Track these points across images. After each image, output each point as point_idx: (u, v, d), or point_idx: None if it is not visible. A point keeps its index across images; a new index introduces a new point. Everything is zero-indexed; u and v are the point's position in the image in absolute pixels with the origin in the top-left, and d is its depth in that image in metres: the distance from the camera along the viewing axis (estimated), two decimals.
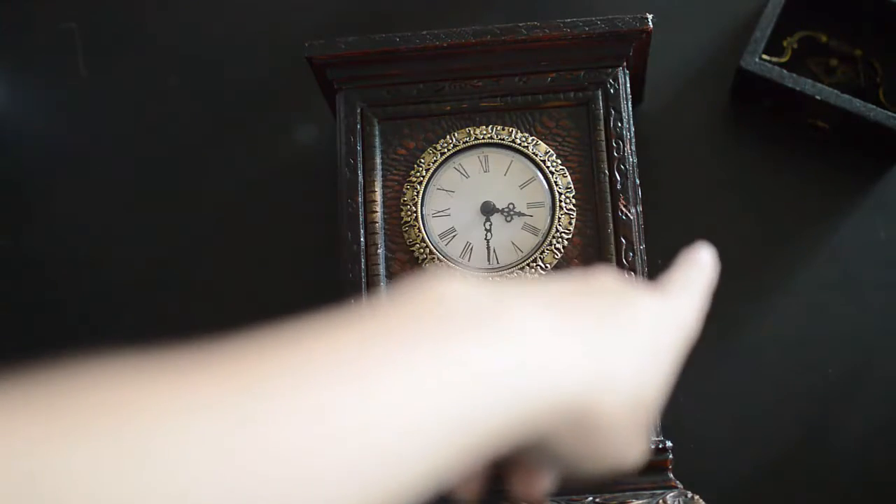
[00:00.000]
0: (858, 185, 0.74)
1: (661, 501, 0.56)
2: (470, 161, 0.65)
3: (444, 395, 0.26)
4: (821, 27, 0.76)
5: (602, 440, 0.32)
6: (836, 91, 0.69)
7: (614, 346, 0.33)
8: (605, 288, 0.36)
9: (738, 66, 0.72)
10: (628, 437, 0.33)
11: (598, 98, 0.65)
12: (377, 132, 0.66)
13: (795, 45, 0.76)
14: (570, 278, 0.36)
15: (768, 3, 0.73)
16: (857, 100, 0.69)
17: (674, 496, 0.58)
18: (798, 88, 0.70)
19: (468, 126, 0.66)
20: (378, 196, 0.65)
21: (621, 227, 0.62)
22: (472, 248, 0.64)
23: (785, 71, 0.71)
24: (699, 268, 0.41)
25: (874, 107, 0.69)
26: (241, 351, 0.26)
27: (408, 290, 0.31)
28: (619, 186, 0.63)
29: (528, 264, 0.63)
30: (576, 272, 0.38)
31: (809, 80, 0.70)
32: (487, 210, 0.64)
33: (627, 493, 0.57)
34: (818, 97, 0.68)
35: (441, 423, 0.26)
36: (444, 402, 0.26)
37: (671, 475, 0.58)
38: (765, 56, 0.74)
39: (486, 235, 0.64)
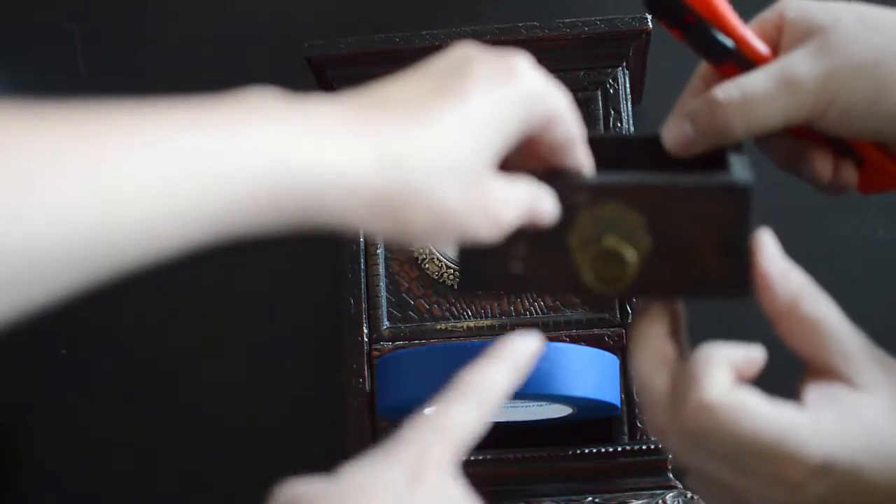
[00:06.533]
0: None
1: (660, 501, 0.56)
2: None
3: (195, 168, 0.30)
4: None
5: (425, 217, 0.33)
6: None
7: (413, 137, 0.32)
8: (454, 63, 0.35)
9: None
10: (458, 209, 0.33)
11: (597, 98, 0.65)
12: None
13: None
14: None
15: None
16: None
17: (674, 496, 0.58)
18: None
19: None
20: None
21: None
22: None
23: None
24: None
25: None
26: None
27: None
28: None
29: None
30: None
31: None
32: None
33: (627, 494, 0.57)
34: None
35: (193, 190, 0.30)
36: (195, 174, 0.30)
37: (671, 475, 0.58)
38: None
39: None
